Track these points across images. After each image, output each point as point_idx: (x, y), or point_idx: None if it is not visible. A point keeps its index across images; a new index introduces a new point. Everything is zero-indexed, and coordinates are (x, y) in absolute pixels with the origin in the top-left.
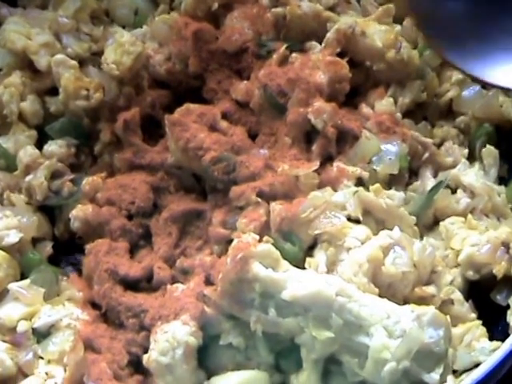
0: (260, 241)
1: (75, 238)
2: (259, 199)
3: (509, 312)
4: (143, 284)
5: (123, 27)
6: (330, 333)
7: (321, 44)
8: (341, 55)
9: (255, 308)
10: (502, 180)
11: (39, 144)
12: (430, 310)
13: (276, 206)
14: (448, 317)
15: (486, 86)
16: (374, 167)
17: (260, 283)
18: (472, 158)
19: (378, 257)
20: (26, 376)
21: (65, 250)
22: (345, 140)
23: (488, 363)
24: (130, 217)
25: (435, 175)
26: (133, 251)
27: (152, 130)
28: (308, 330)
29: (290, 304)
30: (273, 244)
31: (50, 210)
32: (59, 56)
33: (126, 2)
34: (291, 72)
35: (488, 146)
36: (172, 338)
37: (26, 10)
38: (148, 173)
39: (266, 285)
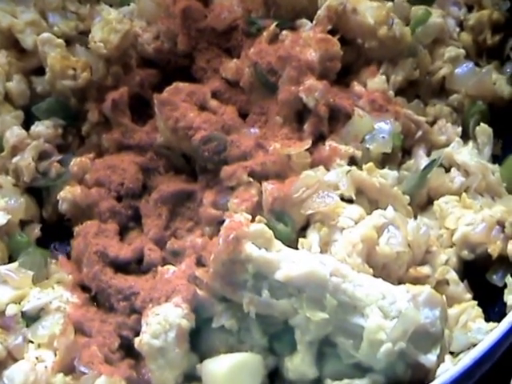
0: (252, 221)
1: (63, 220)
2: (251, 179)
3: (506, 291)
4: (133, 266)
5: (110, 6)
6: (324, 314)
7: (311, 21)
8: (332, 33)
9: (248, 289)
10: (495, 158)
11: (26, 125)
12: (425, 290)
13: (268, 186)
14: (444, 297)
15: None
16: (367, 146)
17: (253, 264)
18: (465, 136)
19: (371, 236)
20: (15, 360)
21: (53, 232)
22: (337, 118)
23: (486, 342)
24: (119, 198)
25: (428, 154)
26: (122, 233)
27: (141, 109)
28: (302, 311)
29: (284, 285)
30: (265, 224)
31: (38, 192)
32: (45, 35)
33: None
34: (282, 50)
35: (482, 124)
36: (164, 320)
37: None
38: (137, 153)
39: (259, 265)
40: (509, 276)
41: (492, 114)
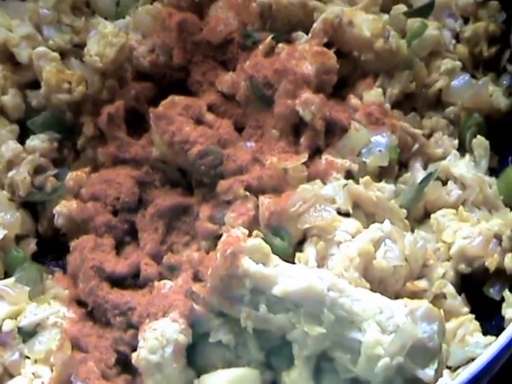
0: (249, 235)
1: (59, 235)
2: (247, 193)
3: (504, 305)
4: (130, 281)
5: (105, 18)
6: (321, 328)
7: (307, 34)
8: (328, 45)
9: (245, 304)
10: (492, 171)
11: (21, 139)
12: (423, 304)
13: (265, 200)
14: (441, 311)
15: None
16: (364, 159)
17: (250, 279)
18: (462, 149)
19: (368, 251)
20: (12, 376)
21: (49, 246)
22: (333, 132)
23: (485, 356)
24: (115, 212)
25: (425, 167)
26: (118, 247)
27: (136, 123)
28: (299, 325)
29: (281, 300)
30: (262, 238)
31: (33, 207)
32: (40, 49)
33: None
34: (278, 63)
35: (478, 136)
36: (161, 335)
37: (5, 2)
38: (133, 167)
39: (257, 280)
40: (507, 290)
41: (489, 126)
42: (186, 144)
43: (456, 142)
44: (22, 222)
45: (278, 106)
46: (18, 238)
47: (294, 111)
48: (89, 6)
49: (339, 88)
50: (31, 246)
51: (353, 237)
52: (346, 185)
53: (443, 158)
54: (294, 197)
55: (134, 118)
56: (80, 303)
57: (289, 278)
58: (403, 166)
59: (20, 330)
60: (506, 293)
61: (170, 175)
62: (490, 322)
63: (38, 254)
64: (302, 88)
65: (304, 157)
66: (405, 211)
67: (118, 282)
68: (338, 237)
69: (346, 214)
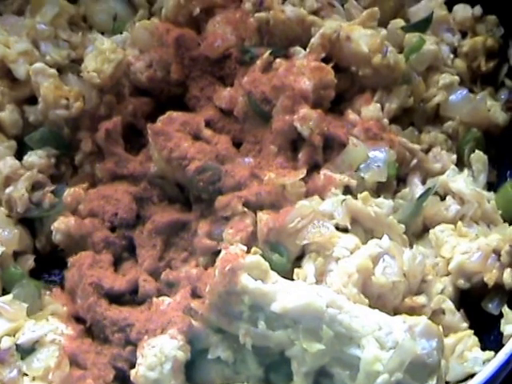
0: (247, 252)
1: (57, 251)
2: (245, 209)
3: (502, 321)
4: (128, 297)
5: (102, 33)
6: (320, 345)
7: (305, 49)
8: (326, 60)
9: (244, 321)
10: (490, 185)
11: (19, 154)
12: (422, 321)
13: (263, 216)
14: (440, 327)
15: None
16: (362, 175)
17: (249, 295)
18: (461, 163)
19: (367, 266)
20: None
21: (47, 262)
22: (331, 147)
23: (484, 373)
24: (113, 229)
25: (424, 182)
26: (117, 264)
27: (134, 138)
28: (298, 342)
29: (280, 316)
30: (261, 255)
31: (31, 223)
32: (38, 65)
33: (104, 7)
34: (275, 79)
35: (476, 151)
36: (160, 352)
37: (2, 17)
38: (131, 183)
39: (255, 297)
40: (505, 306)
41: (487, 140)
42: (184, 160)
43: (454, 156)
44: (19, 238)
45: (275, 122)
46: (16, 254)
47: (292, 127)
48: (86, 20)
49: (337, 103)
50: (29, 262)
51: (351, 253)
52: (344, 200)
53: (442, 172)
54: (293, 213)
55: (132, 133)
56: (78, 320)
57: (287, 295)
58: (402, 180)
59: (18, 347)
60: (505, 309)
61: (168, 191)
62: (489, 337)
63: (36, 269)
64: (300, 103)
65: (302, 172)
66: (403, 226)
67: (116, 298)
68: (337, 253)
69: (345, 230)
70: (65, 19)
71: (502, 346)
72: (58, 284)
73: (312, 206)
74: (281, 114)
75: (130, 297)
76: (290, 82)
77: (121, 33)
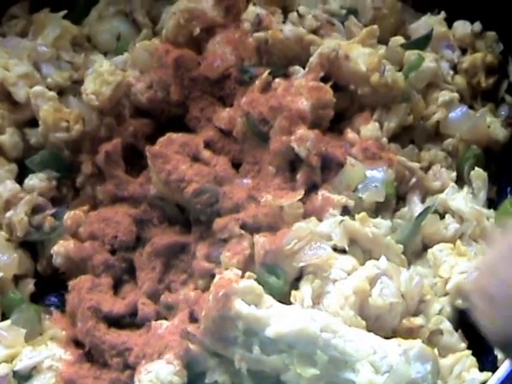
0: (244, 275)
1: (58, 274)
2: (242, 231)
3: None
4: (128, 319)
5: (105, 53)
6: (315, 370)
7: (304, 68)
8: (325, 79)
9: (239, 346)
10: (491, 202)
11: (19, 177)
12: (416, 344)
13: (260, 239)
14: (436, 350)
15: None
16: (360, 195)
17: (243, 321)
18: (460, 180)
19: (364, 288)
20: None
21: (48, 285)
22: (329, 167)
23: None
24: (113, 251)
25: (423, 200)
26: (117, 286)
27: (135, 159)
28: (293, 367)
29: (274, 341)
30: (256, 279)
31: (33, 246)
32: (37, 88)
33: (107, 27)
34: (273, 99)
35: (476, 168)
36: (156, 378)
37: (4, 39)
38: (131, 205)
39: (249, 322)
40: None
41: (487, 157)
42: (182, 182)
43: (454, 174)
44: (20, 262)
45: (273, 143)
46: (17, 278)
47: (290, 148)
48: (89, 40)
49: (337, 121)
50: (29, 286)
51: (348, 274)
52: (342, 221)
53: (441, 190)
54: (289, 235)
55: (133, 154)
56: (78, 344)
57: (281, 320)
58: (401, 199)
59: (15, 373)
60: None
61: (168, 212)
62: (487, 358)
63: (37, 292)
64: (298, 124)
65: (299, 194)
66: (401, 246)
67: (115, 321)
68: (334, 275)
69: (343, 251)
70: (67, 40)
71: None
72: (59, 307)
73: (309, 228)
74: (278, 135)
75: (130, 319)
76: (287, 102)
77: (125, 52)
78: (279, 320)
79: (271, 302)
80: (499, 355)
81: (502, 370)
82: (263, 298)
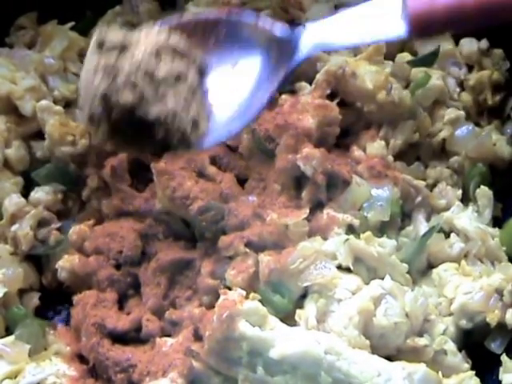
0: (247, 296)
1: (63, 287)
2: (247, 249)
3: (501, 369)
4: (132, 334)
5: None
6: None
7: (311, 84)
8: (332, 95)
9: (243, 366)
10: (496, 220)
11: (26, 189)
12: (420, 368)
13: (264, 258)
14: (440, 372)
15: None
16: (365, 214)
17: (247, 342)
18: (466, 198)
19: (368, 309)
20: None
21: (53, 298)
22: (335, 185)
23: None
24: (118, 266)
25: (428, 218)
26: (121, 301)
27: (140, 174)
28: None
29: (279, 362)
30: (260, 300)
31: (38, 259)
32: (44, 102)
33: None
34: (279, 117)
35: (482, 186)
36: None
37: (12, 50)
38: (136, 220)
39: (254, 343)
40: (504, 355)
41: (493, 174)
42: (187, 199)
43: (460, 192)
44: (25, 275)
45: (279, 161)
46: (22, 292)
47: (295, 165)
48: None
49: (343, 136)
50: (34, 300)
51: (353, 294)
52: (347, 240)
53: (447, 208)
54: (294, 254)
55: (138, 168)
56: (82, 359)
57: (286, 341)
58: (407, 216)
59: None
60: (504, 357)
61: (174, 227)
62: (491, 377)
63: (42, 306)
64: (303, 142)
65: (305, 212)
66: (406, 266)
67: (119, 337)
68: (339, 294)
69: (347, 269)
70: (75, 52)
71: None
72: (64, 321)
73: (314, 247)
74: (284, 153)
75: (135, 334)
76: (293, 120)
77: None
78: (283, 341)
79: (275, 323)
80: (504, 381)
81: None
82: (267, 319)
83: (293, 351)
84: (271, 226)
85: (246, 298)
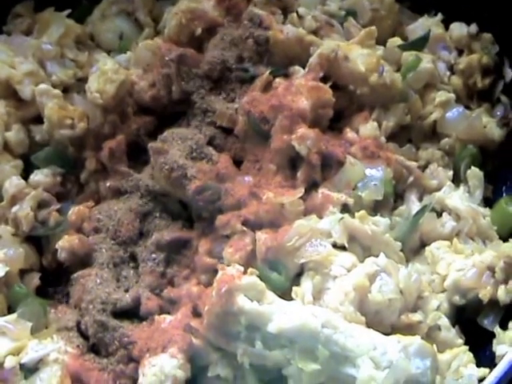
0: (245, 271)
1: (64, 268)
2: (244, 228)
3: (494, 341)
4: (131, 312)
5: (108, 52)
6: (316, 365)
7: (304, 68)
8: (324, 79)
9: (241, 341)
10: (487, 200)
11: (25, 173)
12: (416, 341)
13: (261, 236)
14: (435, 345)
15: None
16: (359, 193)
17: (245, 316)
18: (457, 179)
19: (364, 285)
20: None
21: (54, 278)
22: (329, 166)
23: None
24: (116, 245)
25: (420, 199)
26: (120, 279)
27: (138, 155)
28: (294, 362)
29: (276, 336)
30: (258, 275)
31: (38, 240)
32: (42, 86)
33: (110, 26)
34: (274, 99)
35: (473, 167)
36: (160, 371)
37: (10, 37)
38: (134, 200)
39: (252, 318)
40: (497, 326)
41: (483, 156)
42: (184, 179)
43: (451, 173)
44: (25, 256)
45: (274, 141)
46: (23, 272)
47: (290, 146)
48: (93, 39)
49: (336, 120)
50: (35, 280)
51: (348, 271)
52: (341, 219)
53: (438, 189)
54: (291, 232)
55: (136, 150)
56: (83, 336)
57: (283, 316)
58: (399, 197)
59: (22, 366)
60: (497, 329)
61: (171, 207)
62: (484, 352)
63: (42, 286)
64: (298, 123)
65: (300, 191)
66: (400, 244)
67: (119, 314)
68: (334, 271)
69: (342, 248)
70: (71, 39)
71: (496, 364)
72: (63, 300)
73: (310, 225)
74: (279, 134)
75: (133, 312)
76: (288, 101)
77: (127, 51)
78: (281, 315)
79: (273, 298)
80: (497, 352)
81: (501, 365)
82: (265, 294)
83: (290, 325)
84: (267, 204)
85: (244, 273)
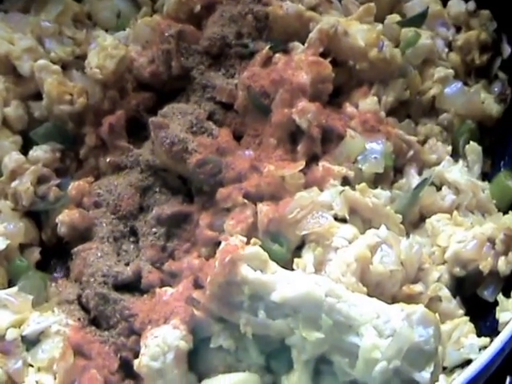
0: (248, 243)
1: (63, 243)
2: (245, 200)
3: (497, 308)
4: (132, 286)
5: (106, 30)
6: (319, 333)
7: (304, 44)
8: (324, 55)
9: (244, 310)
10: (485, 175)
11: (24, 149)
12: (419, 309)
13: (263, 208)
14: (437, 314)
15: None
16: (360, 166)
17: (249, 286)
18: (456, 154)
19: (365, 256)
20: None
21: (53, 254)
22: (330, 139)
23: (479, 361)
24: (116, 220)
25: (420, 173)
26: (121, 253)
27: (137, 131)
28: (298, 331)
29: (280, 306)
30: (260, 246)
31: (37, 215)
32: (42, 61)
33: (108, 4)
34: (274, 73)
35: (471, 142)
36: (162, 342)
37: (7, 14)
38: (134, 175)
39: (255, 287)
40: (500, 294)
41: (481, 132)
42: (185, 153)
43: (449, 148)
44: (25, 230)
45: (275, 115)
46: (22, 247)
47: (291, 120)
48: (90, 18)
49: (335, 96)
50: (35, 254)
51: (350, 242)
52: (342, 191)
53: (437, 163)
54: (292, 204)
55: (135, 126)
56: (84, 309)
57: (287, 285)
58: (399, 171)
59: (23, 338)
60: (500, 297)
61: (171, 183)
62: (485, 323)
63: (42, 261)
64: (298, 97)
65: (301, 164)
66: (400, 216)
67: (120, 287)
68: (336, 243)
69: (343, 220)
70: (69, 16)
71: (498, 332)
72: (64, 276)
73: (311, 197)
74: (280, 108)
75: (134, 285)
76: (288, 76)
77: (124, 29)
78: (284, 285)
79: (276, 267)
80: (500, 319)
81: (506, 331)
82: (268, 264)
83: (294, 294)
84: (268, 177)
85: (247, 244)
